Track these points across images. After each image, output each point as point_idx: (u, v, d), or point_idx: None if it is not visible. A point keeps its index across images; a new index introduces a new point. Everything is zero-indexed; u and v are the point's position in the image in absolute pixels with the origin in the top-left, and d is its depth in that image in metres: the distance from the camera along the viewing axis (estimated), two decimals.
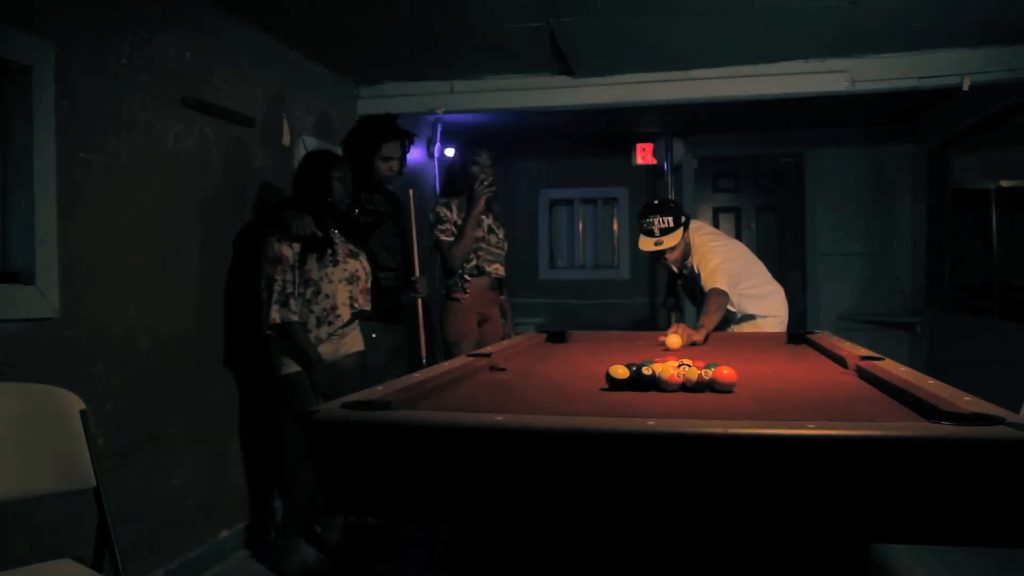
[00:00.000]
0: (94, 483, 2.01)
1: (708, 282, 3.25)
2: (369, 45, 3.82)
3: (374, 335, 3.34)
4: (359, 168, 3.40)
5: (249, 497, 3.43)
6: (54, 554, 2.13)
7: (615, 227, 6.92)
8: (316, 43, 3.80)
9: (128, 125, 2.75)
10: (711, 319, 3.06)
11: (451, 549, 3.21)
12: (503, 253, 3.84)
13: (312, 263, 2.97)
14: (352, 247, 3.15)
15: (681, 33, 3.59)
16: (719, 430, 1.29)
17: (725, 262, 3.31)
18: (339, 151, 3.58)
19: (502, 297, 3.90)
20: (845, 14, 3.33)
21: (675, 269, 3.54)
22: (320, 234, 3.00)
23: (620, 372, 1.90)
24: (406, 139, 3.54)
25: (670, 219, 3.31)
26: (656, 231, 3.32)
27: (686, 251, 3.43)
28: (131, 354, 2.76)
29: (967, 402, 1.49)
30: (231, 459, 3.33)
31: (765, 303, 3.53)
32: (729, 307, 3.26)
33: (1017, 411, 3.69)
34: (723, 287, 3.19)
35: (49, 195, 2.41)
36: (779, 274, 3.97)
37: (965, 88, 3.84)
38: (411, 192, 3.52)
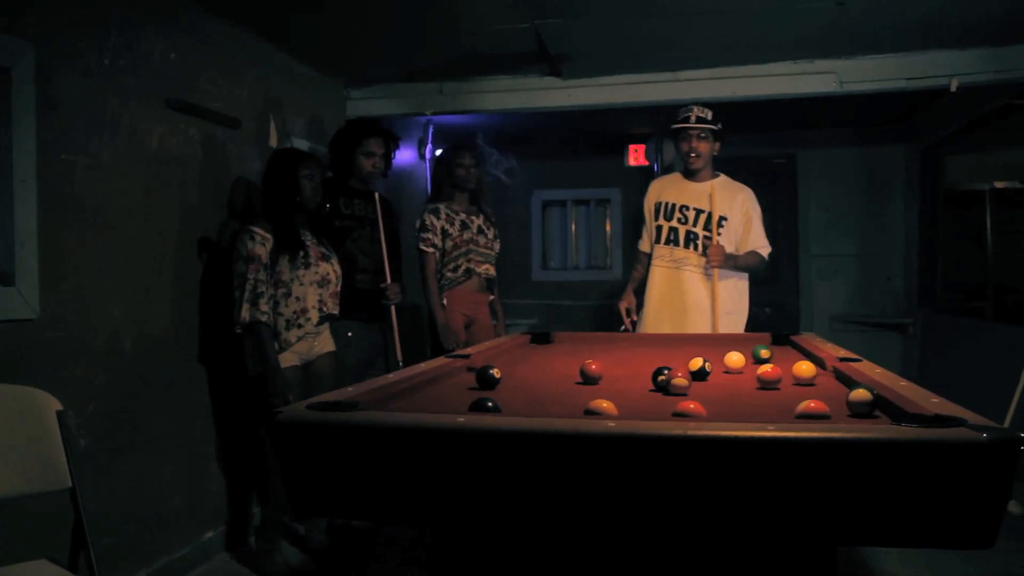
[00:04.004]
0: (70, 484, 2.02)
1: (758, 241, 3.53)
2: (358, 47, 3.82)
3: (350, 333, 3.34)
4: (342, 168, 3.40)
5: (231, 499, 3.43)
6: (33, 555, 2.13)
7: (608, 228, 6.91)
8: (305, 45, 3.80)
9: (111, 126, 2.75)
10: (742, 259, 3.47)
11: (432, 551, 3.21)
12: (493, 253, 3.81)
13: (284, 264, 2.95)
14: (324, 250, 3.13)
15: (669, 34, 3.59)
16: (679, 431, 1.29)
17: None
18: (317, 151, 3.58)
19: (492, 297, 3.87)
20: (831, 15, 3.33)
21: (694, 157, 3.57)
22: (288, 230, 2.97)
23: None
24: (390, 140, 3.53)
25: (710, 113, 3.50)
26: (693, 118, 3.50)
27: (715, 157, 3.61)
28: (114, 355, 2.76)
29: (934, 404, 1.48)
30: (215, 460, 3.33)
31: (739, 289, 3.61)
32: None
33: (1005, 411, 3.63)
34: (766, 257, 3.54)
35: (29, 196, 2.41)
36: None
37: (953, 89, 3.84)
38: (377, 196, 3.48)
